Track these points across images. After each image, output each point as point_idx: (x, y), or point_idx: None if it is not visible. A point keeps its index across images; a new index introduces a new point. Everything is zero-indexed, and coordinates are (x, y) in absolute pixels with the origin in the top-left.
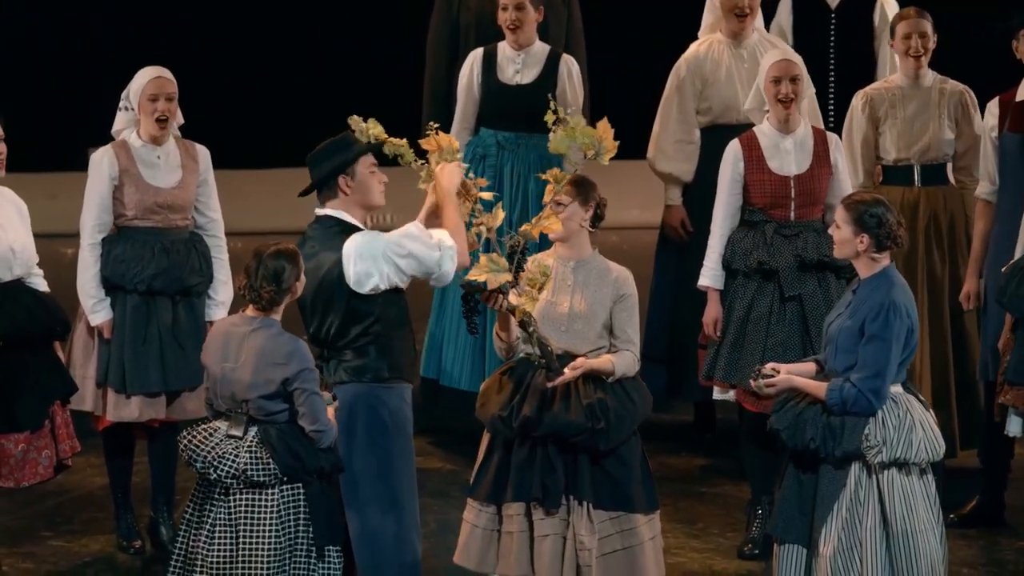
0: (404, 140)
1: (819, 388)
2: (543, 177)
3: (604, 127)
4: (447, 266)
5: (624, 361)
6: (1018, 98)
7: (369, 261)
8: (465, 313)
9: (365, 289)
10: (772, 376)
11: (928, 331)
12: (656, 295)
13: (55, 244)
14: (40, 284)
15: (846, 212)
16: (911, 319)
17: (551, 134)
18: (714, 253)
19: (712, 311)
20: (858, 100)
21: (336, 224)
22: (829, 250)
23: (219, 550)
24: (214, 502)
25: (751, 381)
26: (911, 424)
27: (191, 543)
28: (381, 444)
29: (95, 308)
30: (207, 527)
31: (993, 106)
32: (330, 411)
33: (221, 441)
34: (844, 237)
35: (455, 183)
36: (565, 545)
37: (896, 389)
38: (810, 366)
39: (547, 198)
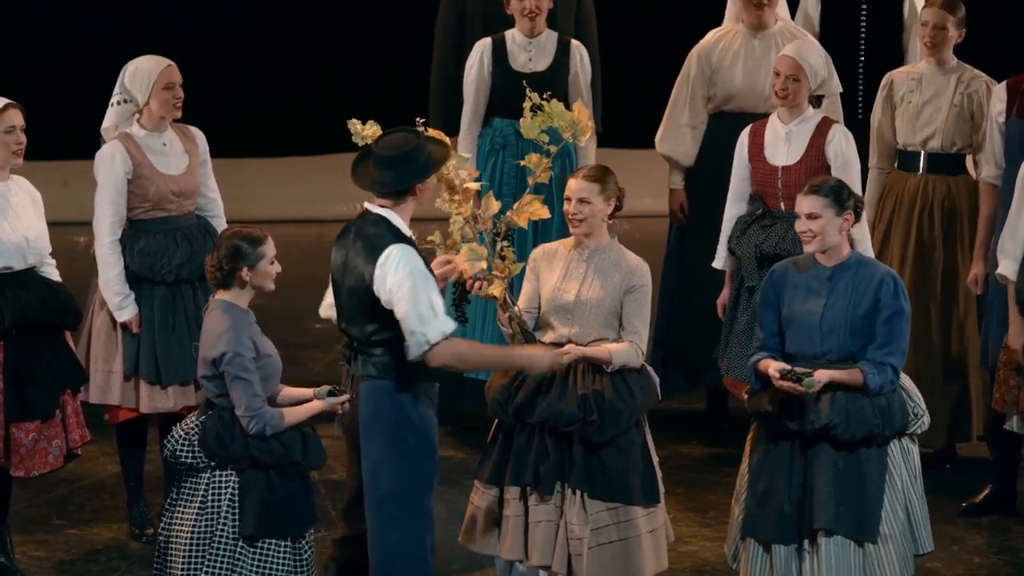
0: None
1: (853, 375)
2: (522, 163)
3: (579, 108)
4: (417, 342)
5: (624, 352)
6: None
7: (397, 286)
8: (454, 302)
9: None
10: (809, 376)
11: (939, 320)
12: (666, 281)
13: (67, 232)
14: (53, 274)
15: (821, 198)
16: None
17: (522, 120)
18: (723, 236)
19: (725, 293)
20: (883, 82)
21: (388, 229)
22: (793, 244)
23: (163, 530)
24: (173, 484)
25: (791, 384)
26: (919, 395)
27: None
28: (403, 441)
29: (122, 304)
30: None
31: (1000, 90)
32: (326, 403)
33: (186, 423)
34: (829, 221)
35: (544, 366)
36: (558, 532)
37: None
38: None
39: (532, 182)
